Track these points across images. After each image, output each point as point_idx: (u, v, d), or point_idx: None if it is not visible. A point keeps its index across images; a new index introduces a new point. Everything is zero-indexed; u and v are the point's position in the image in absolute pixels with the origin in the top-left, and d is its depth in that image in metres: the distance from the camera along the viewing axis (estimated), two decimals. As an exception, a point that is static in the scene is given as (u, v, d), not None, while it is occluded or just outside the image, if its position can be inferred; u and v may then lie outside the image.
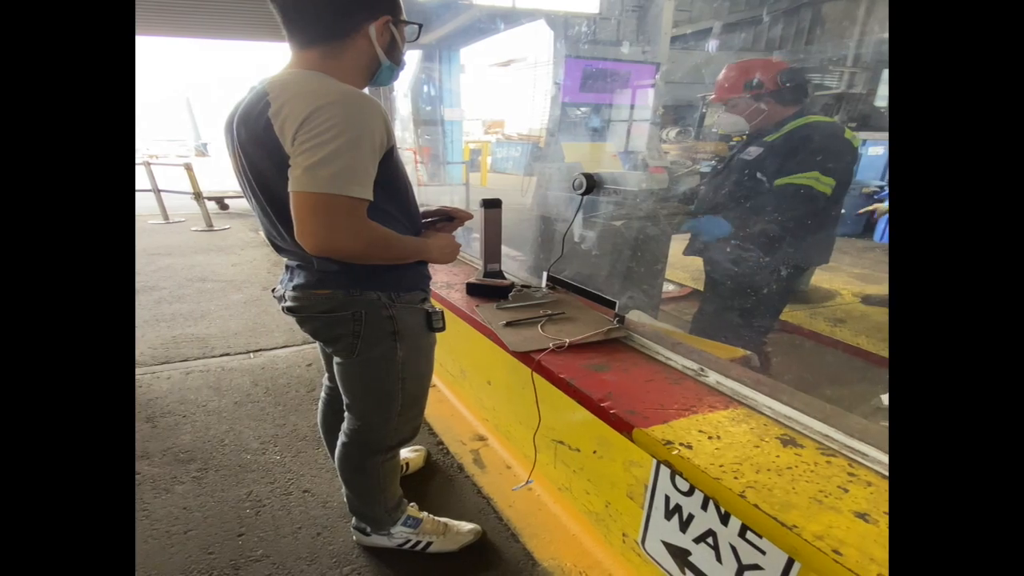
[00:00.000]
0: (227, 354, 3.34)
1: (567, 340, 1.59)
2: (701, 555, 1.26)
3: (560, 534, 1.81)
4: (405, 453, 2.21)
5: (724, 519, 1.18)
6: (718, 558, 1.21)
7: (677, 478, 1.31)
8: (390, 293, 1.38)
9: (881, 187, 6.91)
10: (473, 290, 2.09)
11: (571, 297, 1.99)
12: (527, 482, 2.03)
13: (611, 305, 1.80)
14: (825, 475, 0.99)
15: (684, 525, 1.30)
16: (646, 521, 1.41)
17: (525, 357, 1.54)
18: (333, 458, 1.73)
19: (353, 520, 1.78)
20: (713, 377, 1.39)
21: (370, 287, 1.35)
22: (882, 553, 0.80)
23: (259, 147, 1.16)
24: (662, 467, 1.36)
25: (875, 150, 8.03)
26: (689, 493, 1.27)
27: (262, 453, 2.29)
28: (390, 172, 1.24)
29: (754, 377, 1.33)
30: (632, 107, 3.22)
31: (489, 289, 2.06)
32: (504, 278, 2.19)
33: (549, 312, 1.81)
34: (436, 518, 1.82)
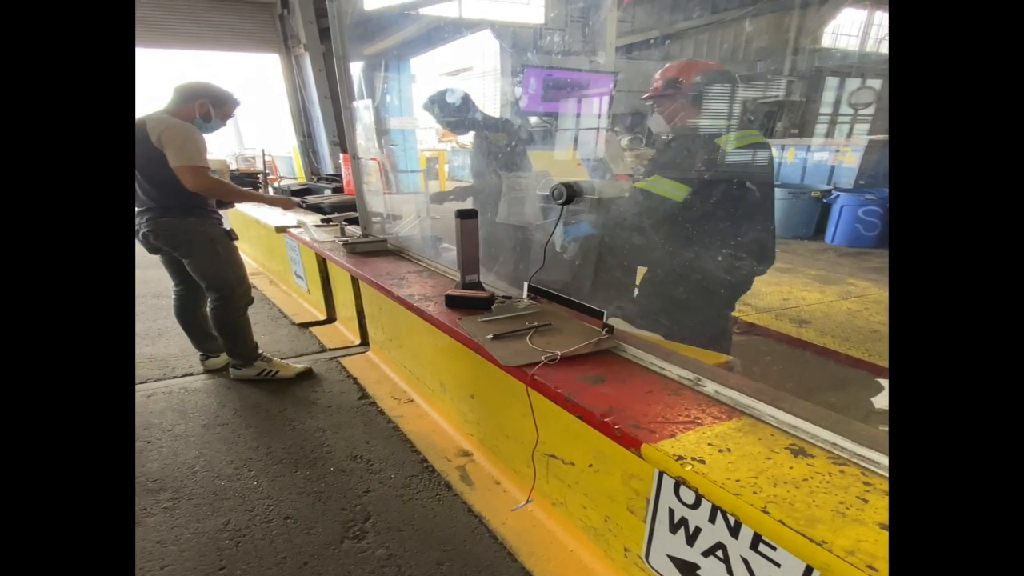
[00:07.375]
0: (190, 374, 3.19)
1: (558, 352, 1.56)
2: (711, 569, 1.25)
3: (558, 551, 1.78)
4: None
5: (734, 531, 1.18)
6: (729, 571, 1.20)
7: (682, 490, 1.30)
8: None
9: (829, 191, 7.32)
10: (453, 302, 2.04)
11: (554, 307, 1.96)
12: (527, 501, 1.98)
13: (597, 315, 1.78)
14: (841, 486, 0.99)
15: (691, 538, 1.29)
16: (649, 535, 1.39)
17: (518, 372, 1.51)
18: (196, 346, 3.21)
19: (230, 361, 3.09)
20: (711, 387, 1.38)
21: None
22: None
23: None
24: (664, 479, 1.35)
25: (820, 156, 8.54)
26: (695, 505, 1.26)
27: (237, 479, 2.19)
28: None
29: (753, 386, 1.33)
30: (599, 116, 3.24)
31: (470, 301, 2.02)
32: (483, 289, 2.15)
33: (535, 323, 1.79)
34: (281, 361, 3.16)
